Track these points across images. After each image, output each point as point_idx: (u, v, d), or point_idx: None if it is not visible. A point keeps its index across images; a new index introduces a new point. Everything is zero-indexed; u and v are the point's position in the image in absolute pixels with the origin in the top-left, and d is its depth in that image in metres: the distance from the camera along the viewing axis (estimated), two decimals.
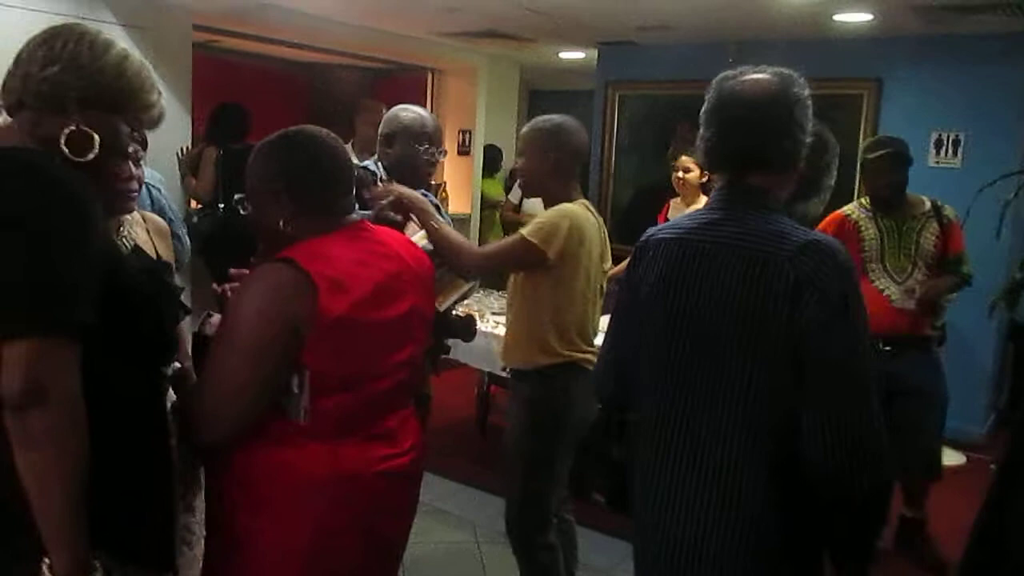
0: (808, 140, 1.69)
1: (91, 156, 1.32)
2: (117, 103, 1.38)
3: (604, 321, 2.15)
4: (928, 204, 3.47)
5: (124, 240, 1.87)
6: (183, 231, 3.25)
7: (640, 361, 1.65)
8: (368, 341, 1.65)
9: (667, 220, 4.31)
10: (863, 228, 3.46)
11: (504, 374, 3.74)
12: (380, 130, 2.63)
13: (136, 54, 1.44)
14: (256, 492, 1.63)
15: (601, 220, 2.60)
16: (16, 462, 1.19)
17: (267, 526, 1.63)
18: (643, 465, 1.62)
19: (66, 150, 1.31)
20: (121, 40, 1.46)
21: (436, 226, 2.34)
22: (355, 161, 4.01)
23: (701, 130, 1.67)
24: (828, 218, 3.45)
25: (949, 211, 3.47)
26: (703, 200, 4.27)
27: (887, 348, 3.30)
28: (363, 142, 4.17)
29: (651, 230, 1.74)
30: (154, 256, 1.92)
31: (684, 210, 4.29)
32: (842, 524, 1.48)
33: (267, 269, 1.58)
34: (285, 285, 1.55)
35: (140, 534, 1.41)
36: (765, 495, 1.47)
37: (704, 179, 4.26)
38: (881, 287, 3.42)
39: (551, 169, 2.50)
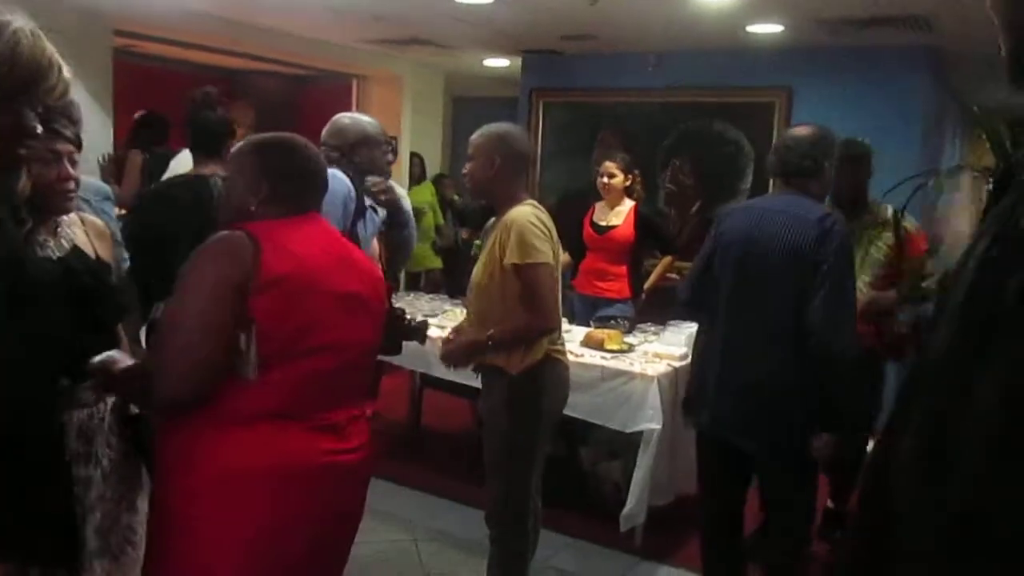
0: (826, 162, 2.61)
1: None
2: (13, 91, 1.32)
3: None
4: (889, 213, 3.41)
5: (62, 240, 1.88)
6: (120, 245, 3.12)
7: (716, 280, 2.63)
8: (312, 307, 1.71)
9: (592, 223, 4.47)
10: None
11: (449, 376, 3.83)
12: (333, 140, 2.72)
13: (28, 30, 1.36)
14: (198, 478, 1.66)
15: (548, 215, 2.69)
16: None
17: (209, 514, 1.66)
18: (719, 338, 2.62)
19: None
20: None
21: (491, 342, 2.55)
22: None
23: (771, 155, 2.68)
24: None
25: (910, 223, 3.40)
26: (627, 202, 4.42)
27: None
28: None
29: (728, 205, 2.96)
30: (93, 256, 1.94)
31: (609, 212, 4.43)
32: (827, 379, 2.39)
33: (217, 236, 1.71)
34: (231, 246, 1.67)
35: (37, 536, 1.40)
36: (785, 356, 2.45)
37: (627, 183, 4.41)
38: None
39: (498, 172, 2.62)
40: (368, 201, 2.84)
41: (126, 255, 2.92)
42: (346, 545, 1.92)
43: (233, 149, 1.91)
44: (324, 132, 2.74)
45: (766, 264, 2.50)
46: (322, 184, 1.91)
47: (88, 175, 2.93)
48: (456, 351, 2.68)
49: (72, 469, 1.81)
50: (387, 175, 2.86)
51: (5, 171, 1.37)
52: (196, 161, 3.14)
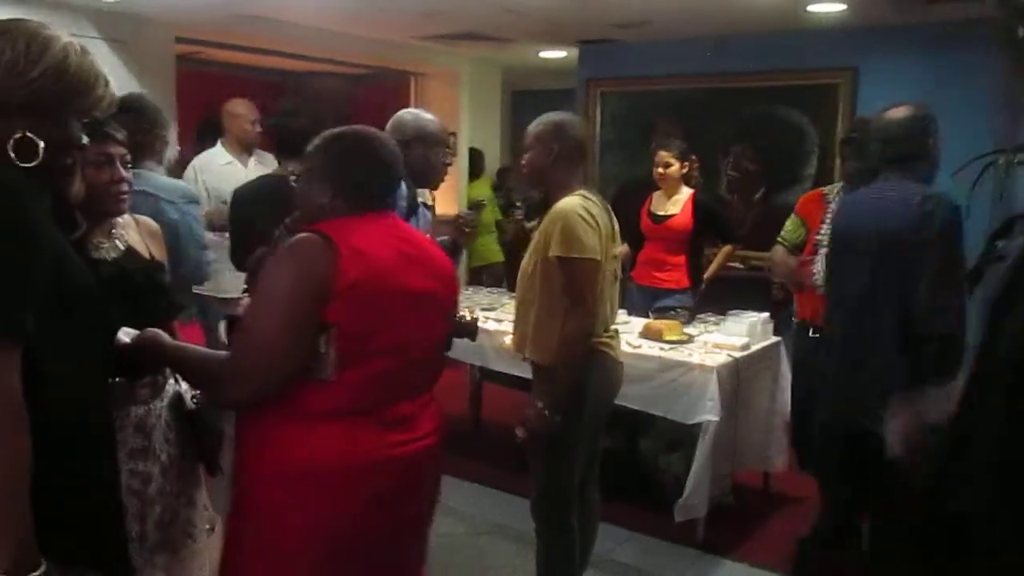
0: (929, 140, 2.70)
1: (36, 161, 1.32)
2: (61, 104, 1.36)
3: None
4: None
5: (116, 242, 1.93)
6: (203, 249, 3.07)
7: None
8: (389, 307, 1.75)
9: (649, 212, 4.41)
10: (830, 211, 3.38)
11: (506, 369, 3.84)
12: (392, 136, 2.71)
13: (78, 45, 1.40)
14: (277, 468, 1.72)
15: (604, 203, 2.65)
16: None
17: (289, 502, 1.71)
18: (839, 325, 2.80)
19: (13, 156, 1.30)
20: (104, 55, 1.43)
21: (547, 410, 2.52)
22: (226, 158, 4.07)
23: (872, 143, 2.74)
24: (811, 191, 3.56)
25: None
26: (685, 191, 4.35)
27: (816, 335, 3.22)
28: (237, 140, 4.19)
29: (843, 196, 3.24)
30: (147, 256, 1.98)
31: (666, 201, 4.37)
32: (928, 353, 2.44)
33: (295, 239, 1.74)
34: (311, 250, 1.69)
35: (84, 537, 1.41)
36: (897, 336, 2.56)
37: (684, 171, 4.33)
38: (815, 270, 3.34)
39: (555, 161, 2.60)
40: (420, 199, 2.84)
41: (210, 256, 3.00)
42: (426, 524, 2.00)
43: (309, 146, 1.92)
44: (387, 126, 2.75)
45: (869, 254, 2.61)
46: (396, 177, 1.92)
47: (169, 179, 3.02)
48: (535, 431, 2.58)
49: (131, 466, 1.86)
50: (441, 176, 2.81)
51: (55, 178, 1.40)
52: (280, 163, 3.24)
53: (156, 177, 2.81)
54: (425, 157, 2.72)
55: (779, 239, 3.69)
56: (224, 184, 3.42)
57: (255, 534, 1.77)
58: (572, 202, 2.54)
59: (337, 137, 1.89)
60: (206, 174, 3.94)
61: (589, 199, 2.61)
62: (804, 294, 3.52)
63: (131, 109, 2.97)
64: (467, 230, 2.86)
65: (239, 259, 2.97)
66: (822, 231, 3.31)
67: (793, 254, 3.63)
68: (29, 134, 1.30)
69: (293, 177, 1.98)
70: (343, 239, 1.70)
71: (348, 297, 1.68)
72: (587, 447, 2.69)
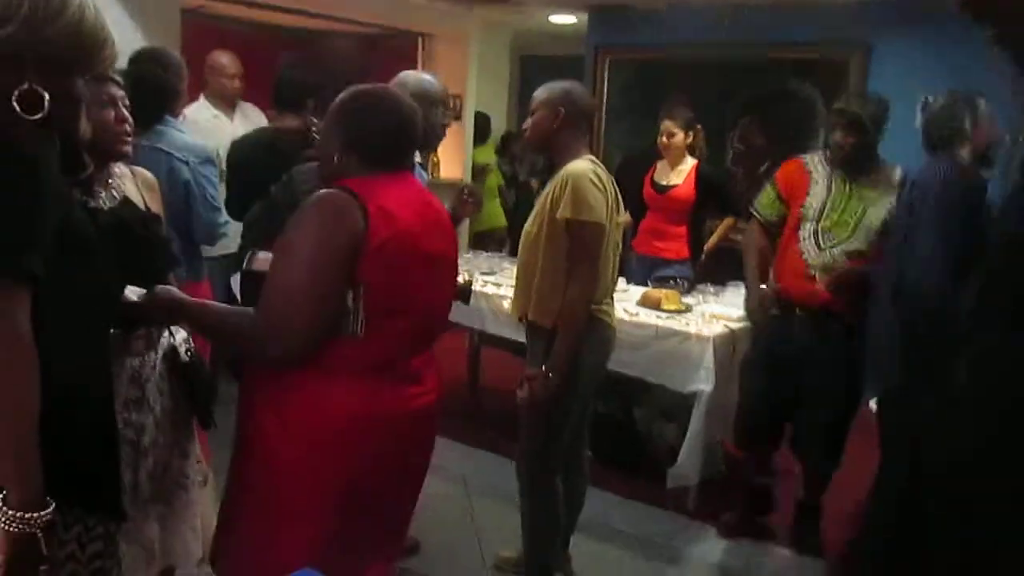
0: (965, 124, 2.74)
1: (41, 114, 1.31)
2: (72, 62, 1.36)
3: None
4: (898, 177, 3.02)
5: (113, 192, 1.93)
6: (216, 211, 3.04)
7: None
8: (413, 268, 1.79)
9: (652, 182, 4.39)
10: (814, 180, 3.11)
11: (503, 332, 3.85)
12: None
13: (91, 3, 1.39)
14: (296, 421, 1.75)
15: (608, 173, 2.64)
16: None
17: (305, 455, 1.75)
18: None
19: (17, 108, 1.30)
20: (107, 5, 1.43)
21: (551, 373, 2.52)
22: (212, 112, 4.02)
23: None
24: (790, 161, 3.26)
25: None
26: (689, 161, 4.33)
27: (801, 314, 3.06)
28: (218, 94, 4.15)
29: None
30: (143, 207, 1.98)
31: (670, 171, 4.35)
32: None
33: (324, 194, 1.74)
34: (342, 206, 1.70)
35: (82, 481, 1.45)
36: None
37: (689, 141, 4.31)
38: (802, 248, 3.06)
39: (562, 124, 2.60)
40: (417, 158, 2.83)
41: (224, 219, 2.99)
42: (423, 476, 2.07)
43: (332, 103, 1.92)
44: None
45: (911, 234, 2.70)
46: (417, 138, 1.93)
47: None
48: (537, 396, 2.57)
49: (125, 416, 1.88)
50: (440, 137, 2.80)
51: (60, 124, 1.41)
52: (278, 115, 3.23)
53: (173, 134, 2.79)
54: (425, 118, 2.69)
55: (755, 211, 3.32)
56: (211, 139, 3.39)
57: (265, 488, 1.81)
58: (582, 166, 2.53)
59: (362, 93, 1.89)
60: (194, 128, 3.92)
61: (598, 165, 2.61)
62: (789, 272, 3.12)
63: (160, 63, 2.95)
64: (470, 201, 2.86)
65: (236, 209, 2.98)
66: (807, 203, 3.07)
67: (770, 231, 3.27)
68: (35, 86, 1.30)
69: (313, 129, 1.97)
70: (371, 198, 1.72)
71: (377, 256, 1.70)
72: (579, 411, 2.71)
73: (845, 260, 3.00)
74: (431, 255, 1.84)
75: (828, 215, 3.03)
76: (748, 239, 3.38)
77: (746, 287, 3.35)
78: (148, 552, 1.96)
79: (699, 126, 4.40)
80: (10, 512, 1.27)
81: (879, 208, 2.99)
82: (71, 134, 1.49)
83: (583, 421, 2.82)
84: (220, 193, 3.06)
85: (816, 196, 3.06)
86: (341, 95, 1.89)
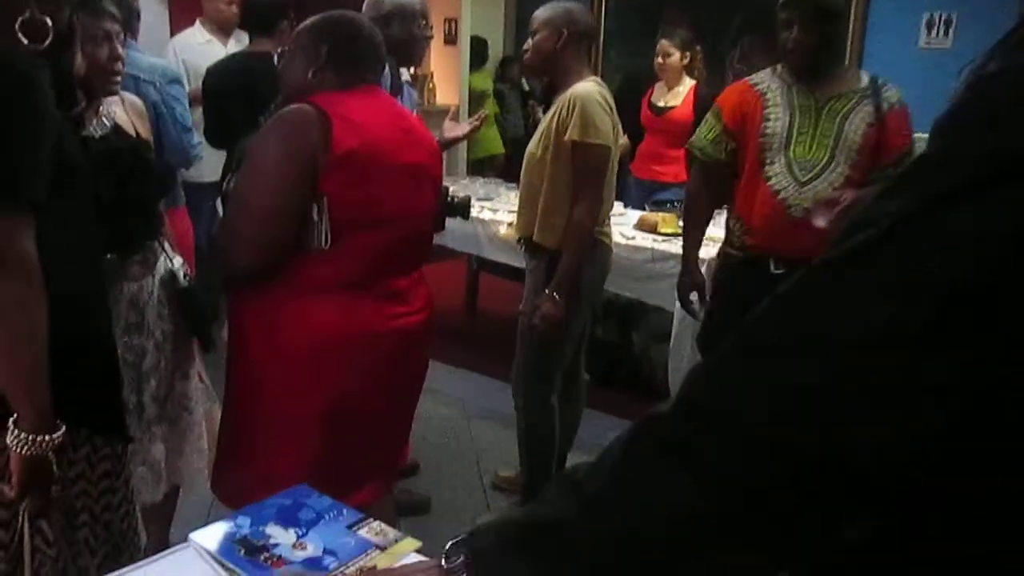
0: None
1: (47, 43, 1.32)
2: None
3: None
4: (865, 80, 2.47)
5: (103, 119, 1.92)
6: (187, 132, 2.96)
7: None
8: (381, 179, 1.80)
9: (649, 104, 4.34)
10: (770, 103, 2.48)
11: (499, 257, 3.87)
12: (369, 12, 2.65)
13: None
14: (277, 342, 1.80)
15: (610, 95, 2.62)
16: None
17: (291, 374, 1.80)
18: None
19: (22, 36, 1.31)
20: None
21: (556, 293, 2.50)
22: (205, 37, 3.97)
23: None
24: (734, 84, 2.70)
25: (892, 93, 2.43)
26: (687, 82, 4.27)
27: (779, 271, 2.43)
28: (212, 20, 4.02)
29: None
30: (133, 134, 1.98)
31: (667, 93, 4.30)
32: None
33: (287, 111, 1.77)
34: (303, 121, 1.73)
35: (86, 402, 1.48)
36: None
37: (686, 62, 4.25)
38: (776, 187, 2.44)
39: (564, 45, 2.55)
40: (404, 77, 2.80)
41: (196, 140, 2.97)
42: (415, 395, 2.11)
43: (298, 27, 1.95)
44: (364, 4, 2.69)
45: None
46: (381, 57, 1.94)
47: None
48: (546, 320, 2.54)
49: (125, 340, 1.91)
50: (422, 50, 2.77)
51: (55, 56, 1.40)
52: (252, 40, 3.25)
53: (136, 56, 2.75)
54: (406, 31, 2.65)
55: (694, 149, 2.66)
56: (204, 63, 3.37)
57: (255, 407, 1.86)
58: (589, 87, 2.51)
59: (326, 16, 1.91)
60: (186, 53, 3.86)
61: (603, 87, 2.59)
62: (762, 219, 2.48)
63: None
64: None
65: (213, 136, 2.96)
66: (766, 131, 2.45)
67: (716, 175, 2.64)
68: (38, 15, 1.30)
69: (278, 51, 1.96)
70: (335, 110, 1.74)
71: (341, 167, 1.72)
72: (578, 331, 2.74)
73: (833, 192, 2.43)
74: (406, 166, 1.85)
75: (797, 140, 2.44)
76: (688, 187, 2.86)
77: (683, 259, 2.83)
78: (155, 472, 2.03)
79: (698, 47, 4.33)
80: (23, 435, 1.30)
81: (856, 120, 2.40)
82: (65, 68, 1.48)
83: (581, 343, 2.85)
84: (193, 115, 3.04)
85: (777, 120, 2.46)
86: (303, 23, 1.91)
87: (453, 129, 2.92)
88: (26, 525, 1.36)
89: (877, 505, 0.60)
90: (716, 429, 0.62)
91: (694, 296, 2.83)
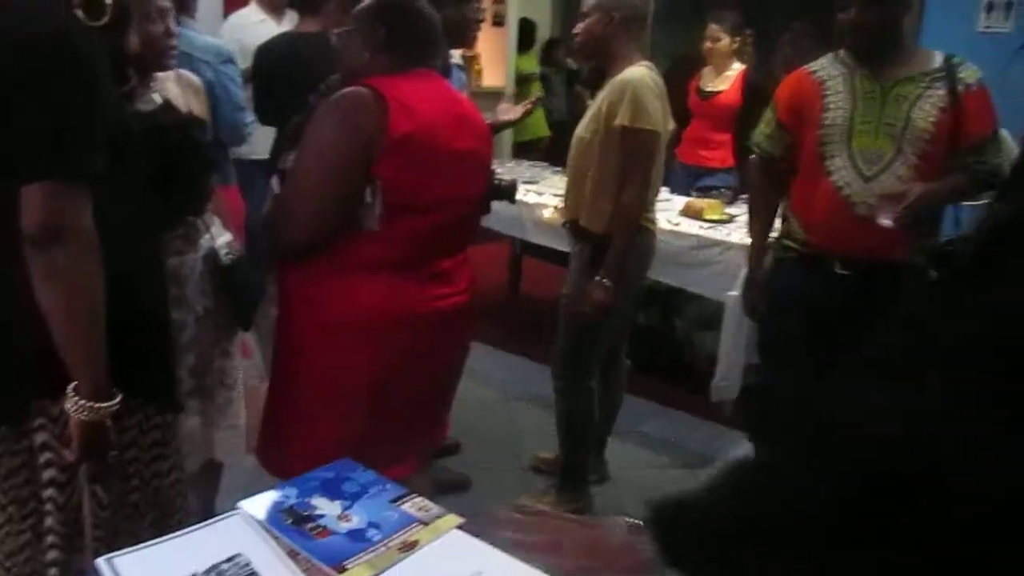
0: None
1: (104, 20, 1.36)
2: None
3: None
4: (938, 61, 2.25)
5: (154, 95, 1.95)
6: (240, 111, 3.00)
7: None
8: (434, 163, 1.81)
9: (697, 88, 4.29)
10: (830, 90, 2.31)
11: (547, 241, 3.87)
12: None
13: None
14: (323, 316, 1.83)
15: (661, 80, 2.59)
16: (40, 298, 1.30)
17: (335, 351, 1.83)
18: None
19: (82, 14, 1.34)
20: None
21: (607, 280, 2.49)
22: (260, 16, 3.96)
23: None
24: (790, 75, 2.50)
25: (969, 73, 2.22)
26: (736, 66, 4.22)
27: (844, 272, 2.29)
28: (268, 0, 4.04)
29: None
30: (185, 111, 2.01)
31: (715, 77, 4.25)
32: None
33: (344, 92, 1.78)
34: (360, 103, 1.74)
35: (141, 372, 1.52)
36: None
37: (735, 46, 4.20)
38: (839, 183, 2.26)
39: (616, 29, 2.53)
40: (455, 59, 2.80)
41: (249, 118, 3.00)
42: (457, 373, 2.14)
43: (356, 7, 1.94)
44: None
45: None
46: (438, 41, 1.95)
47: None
48: (595, 306, 2.54)
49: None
50: (474, 33, 2.77)
51: (113, 32, 1.44)
52: (300, 19, 3.25)
53: (191, 35, 2.79)
54: (459, 13, 2.64)
55: (755, 145, 2.59)
56: (258, 42, 3.40)
57: (300, 381, 1.89)
58: (641, 72, 2.49)
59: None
60: (241, 32, 3.89)
61: (654, 71, 2.56)
62: (824, 217, 2.33)
63: None
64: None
65: (263, 114, 2.99)
66: (826, 121, 2.29)
67: (775, 170, 2.53)
68: None
69: (336, 32, 1.97)
70: (392, 93, 1.75)
71: (396, 151, 1.73)
72: (621, 316, 2.73)
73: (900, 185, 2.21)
74: (458, 152, 1.86)
75: (860, 130, 2.25)
76: (749, 186, 2.77)
77: (750, 264, 2.70)
78: (188, 443, 2.05)
79: (748, 30, 4.27)
80: (82, 402, 1.35)
81: (925, 105, 2.20)
82: (120, 45, 1.52)
83: (623, 328, 2.84)
84: (247, 93, 3.08)
85: (838, 109, 2.28)
86: (363, 2, 1.91)
87: (507, 112, 2.90)
88: (84, 488, 1.40)
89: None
90: (847, 447, 0.61)
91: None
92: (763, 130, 2.54)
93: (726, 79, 4.22)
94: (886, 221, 2.09)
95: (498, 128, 2.83)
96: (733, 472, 0.72)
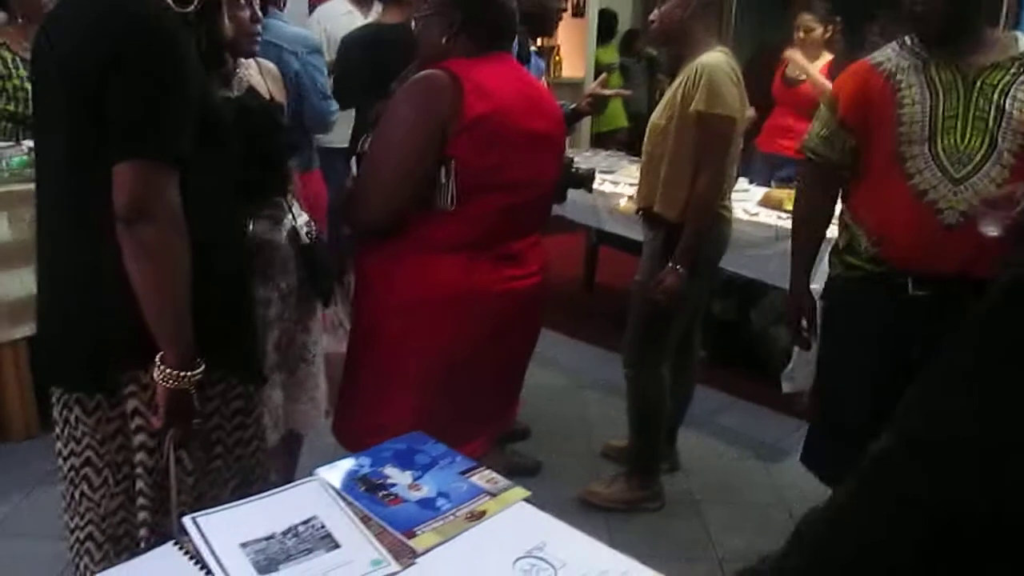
0: None
1: (193, 7, 1.43)
2: None
3: None
4: (1023, 46, 1.99)
5: (238, 81, 2.03)
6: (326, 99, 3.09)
7: None
8: (507, 145, 1.84)
9: (784, 77, 4.21)
10: (902, 84, 2.01)
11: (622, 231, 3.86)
12: None
13: None
14: (397, 294, 1.88)
15: (738, 66, 2.57)
16: (130, 273, 1.37)
17: (404, 325, 1.88)
18: None
19: (170, 2, 1.41)
20: None
21: (680, 267, 2.50)
22: (347, 8, 3.98)
23: None
24: (853, 65, 2.17)
25: None
26: (825, 56, 4.13)
27: (921, 292, 2.02)
28: None
29: None
30: (267, 96, 2.08)
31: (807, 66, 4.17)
32: None
33: (421, 75, 1.82)
34: (434, 85, 1.78)
35: (225, 343, 1.57)
36: None
37: (827, 36, 4.11)
38: (923, 186, 1.98)
39: (693, 14, 2.51)
40: (532, 47, 2.82)
41: (334, 107, 3.09)
42: (526, 358, 2.16)
43: None
44: None
45: None
46: (513, 26, 1.96)
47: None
48: (667, 292, 2.54)
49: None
50: (555, 22, 2.78)
51: (208, 19, 1.52)
52: (384, 10, 3.28)
53: (280, 26, 2.87)
54: (539, 2, 2.66)
55: (807, 151, 2.22)
56: (345, 32, 3.49)
57: (373, 357, 1.95)
58: (718, 58, 2.47)
59: None
60: (329, 23, 3.99)
61: (731, 58, 2.54)
62: (903, 230, 2.04)
63: None
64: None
65: (343, 101, 3.06)
66: (902, 120, 2.00)
67: (834, 178, 2.20)
68: None
69: (415, 16, 2.00)
70: (467, 76, 1.78)
71: (471, 132, 1.76)
72: (692, 305, 2.72)
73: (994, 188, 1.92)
74: (532, 134, 1.88)
75: (945, 128, 1.97)
76: (798, 195, 2.40)
77: (793, 281, 2.39)
78: (272, 416, 2.13)
79: (838, 18, 4.18)
80: (168, 370, 1.42)
81: (1020, 94, 1.93)
82: (215, 31, 1.59)
83: (696, 317, 2.82)
84: (330, 82, 3.15)
85: (915, 105, 2.00)
86: None
87: (597, 90, 2.88)
88: (171, 453, 1.48)
89: None
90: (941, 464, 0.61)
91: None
92: (819, 132, 2.19)
93: (813, 68, 4.13)
94: (992, 230, 1.77)
95: (578, 115, 2.83)
96: (807, 530, 0.71)
